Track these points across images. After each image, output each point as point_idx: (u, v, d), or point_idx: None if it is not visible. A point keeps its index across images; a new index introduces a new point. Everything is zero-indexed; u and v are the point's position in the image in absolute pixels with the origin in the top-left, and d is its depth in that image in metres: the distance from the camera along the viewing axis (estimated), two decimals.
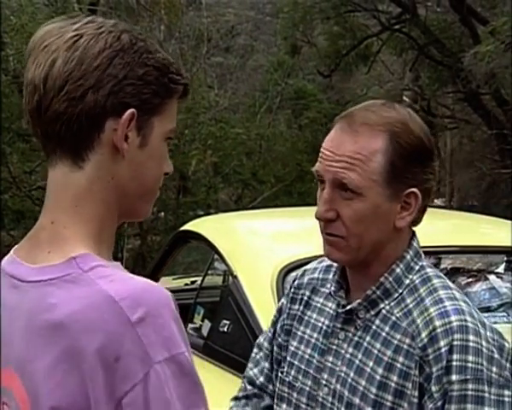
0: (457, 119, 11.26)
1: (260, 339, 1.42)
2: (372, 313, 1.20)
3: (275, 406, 1.30)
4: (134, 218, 0.98)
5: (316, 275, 1.34)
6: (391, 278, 1.20)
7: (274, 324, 1.37)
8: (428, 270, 1.22)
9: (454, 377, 1.10)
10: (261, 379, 1.36)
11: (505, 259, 2.57)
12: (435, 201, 10.32)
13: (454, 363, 1.10)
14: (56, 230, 0.91)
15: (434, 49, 9.57)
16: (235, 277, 2.19)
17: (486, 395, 1.10)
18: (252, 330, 1.99)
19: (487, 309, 2.33)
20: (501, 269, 2.54)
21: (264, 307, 2.00)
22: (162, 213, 9.27)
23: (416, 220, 1.22)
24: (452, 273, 2.46)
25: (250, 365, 1.40)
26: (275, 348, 1.35)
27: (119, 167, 0.91)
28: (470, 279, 2.44)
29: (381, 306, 1.20)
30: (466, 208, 9.93)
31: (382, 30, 9.91)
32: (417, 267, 1.22)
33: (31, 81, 0.90)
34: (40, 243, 0.91)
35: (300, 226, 2.77)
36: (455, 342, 1.11)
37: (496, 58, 7.35)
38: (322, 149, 1.22)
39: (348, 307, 1.21)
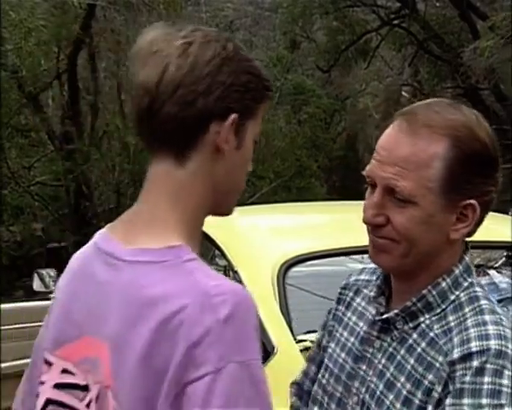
0: None
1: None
2: (410, 325, 1.11)
3: (308, 405, 1.25)
4: (221, 213, 1.05)
5: (362, 276, 1.27)
6: (434, 292, 1.11)
7: (323, 327, 1.31)
8: (477, 288, 1.13)
9: (484, 401, 1.00)
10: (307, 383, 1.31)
11: (505, 254, 2.57)
12: None
13: (485, 386, 1.01)
14: (156, 218, 0.98)
15: (434, 44, 9.57)
16: (235, 272, 2.19)
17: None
18: None
19: None
20: (501, 264, 2.54)
21: (264, 302, 2.00)
22: None
23: (471, 233, 1.12)
24: None
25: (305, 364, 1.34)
26: (321, 350, 1.30)
27: (217, 166, 0.99)
28: None
29: (421, 319, 1.11)
30: None
31: (381, 25, 9.91)
32: (466, 284, 1.12)
33: (141, 84, 0.97)
34: (138, 227, 0.98)
35: (300, 222, 2.77)
36: (488, 365, 1.02)
37: (495, 53, 7.35)
38: (376, 148, 1.12)
39: (385, 316, 1.14)
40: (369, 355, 1.16)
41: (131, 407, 0.91)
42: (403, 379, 1.10)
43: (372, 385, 1.14)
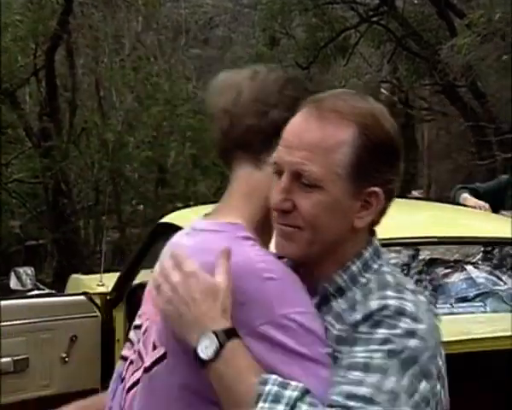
0: (434, 111, 11.35)
1: None
2: (324, 309, 1.12)
3: None
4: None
5: None
6: (345, 276, 1.12)
7: None
8: (385, 268, 1.14)
9: (372, 347, 1.03)
10: None
11: (482, 249, 2.60)
12: (413, 192, 10.40)
13: (378, 336, 1.03)
14: (231, 207, 1.20)
15: (412, 41, 9.62)
16: None
17: (405, 369, 1.01)
18: None
19: (464, 299, 2.36)
20: (478, 259, 2.57)
21: None
22: (141, 206, 9.24)
23: (375, 221, 1.14)
24: (430, 264, 2.49)
25: None
26: None
27: None
28: (448, 270, 2.47)
29: (333, 303, 1.12)
30: (443, 200, 10.00)
31: (360, 22, 9.94)
32: (375, 266, 1.14)
33: (222, 108, 1.21)
34: (220, 210, 1.22)
35: None
36: (386, 319, 1.04)
37: (472, 50, 7.42)
38: (284, 135, 1.12)
39: None
40: None
41: (169, 346, 1.09)
42: None
43: None
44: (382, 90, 12.24)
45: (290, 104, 1.18)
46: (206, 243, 1.14)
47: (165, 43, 10.00)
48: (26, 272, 4.12)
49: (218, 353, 1.02)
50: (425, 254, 2.52)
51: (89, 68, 9.77)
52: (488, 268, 2.50)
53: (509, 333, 2.06)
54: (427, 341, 1.06)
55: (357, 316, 1.07)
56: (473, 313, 2.28)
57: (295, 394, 1.00)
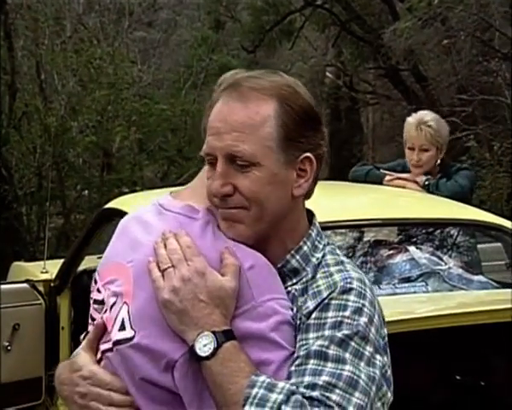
0: (379, 94, 11.51)
1: None
2: None
3: None
4: None
5: None
6: (298, 256, 1.16)
7: None
8: (329, 248, 1.19)
9: (327, 333, 1.06)
10: None
11: (424, 231, 2.66)
12: None
13: (329, 320, 1.07)
14: (202, 191, 1.18)
15: (356, 25, 9.72)
16: None
17: (361, 349, 1.06)
18: None
19: (407, 279, 2.41)
20: (420, 240, 2.63)
21: None
22: (86, 191, 9.08)
23: (310, 190, 1.18)
24: (374, 246, 2.53)
25: None
26: None
27: None
28: (391, 251, 2.52)
29: (289, 283, 1.15)
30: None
31: (305, 6, 9.98)
32: (321, 246, 1.19)
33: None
34: (190, 192, 1.21)
35: None
36: (332, 302, 1.09)
37: (414, 35, 7.54)
38: (209, 124, 1.14)
39: None
40: None
41: (144, 326, 1.08)
42: None
43: None
44: (328, 74, 12.34)
45: None
46: (180, 226, 1.13)
47: (108, 25, 9.80)
48: None
49: (214, 352, 1.05)
50: (369, 236, 2.56)
51: (29, 51, 9.50)
52: (430, 249, 2.56)
53: (449, 312, 2.12)
54: (373, 314, 1.11)
55: (310, 306, 1.11)
56: (415, 292, 2.33)
57: (280, 397, 1.02)
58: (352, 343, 1.06)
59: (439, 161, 3.17)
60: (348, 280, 1.11)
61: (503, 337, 2.21)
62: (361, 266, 2.42)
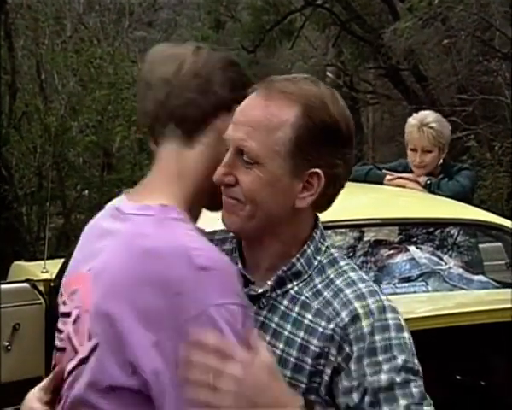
0: (379, 94, 11.51)
1: None
2: (278, 292, 1.16)
3: None
4: (214, 206, 1.21)
5: None
6: (302, 260, 1.16)
7: None
8: (333, 251, 1.20)
9: (380, 358, 1.09)
10: None
11: (423, 230, 2.66)
12: None
13: (378, 344, 1.09)
14: (161, 187, 1.14)
15: (356, 25, 9.71)
16: None
17: (409, 365, 1.10)
18: None
19: (408, 279, 2.41)
20: (420, 240, 2.63)
21: None
22: (86, 191, 9.08)
23: (319, 205, 1.17)
24: (375, 246, 2.53)
25: None
26: None
27: (220, 150, 1.14)
28: (392, 251, 2.52)
29: (289, 286, 1.16)
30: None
31: (305, 5, 9.97)
32: (324, 248, 1.19)
33: (160, 78, 1.15)
34: (147, 189, 1.15)
35: None
36: (376, 324, 1.10)
37: (414, 34, 7.54)
38: (234, 113, 1.16)
39: (261, 291, 1.16)
40: None
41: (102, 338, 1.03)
42: (282, 346, 1.14)
43: None
44: (328, 74, 12.33)
45: (231, 86, 1.15)
46: (137, 228, 1.08)
47: (109, 25, 9.80)
48: None
49: None
50: (370, 236, 2.56)
51: (29, 51, 9.50)
52: (430, 249, 2.56)
53: (449, 311, 2.12)
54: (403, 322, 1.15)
55: (346, 319, 1.11)
56: (415, 292, 2.33)
57: None
58: (408, 365, 1.11)
59: (441, 162, 3.17)
60: (377, 297, 1.14)
61: (504, 337, 2.21)
62: (361, 265, 2.42)
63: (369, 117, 13.88)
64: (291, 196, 1.13)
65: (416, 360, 1.12)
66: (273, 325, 1.15)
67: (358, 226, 2.49)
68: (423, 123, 3.13)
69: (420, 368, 1.11)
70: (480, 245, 2.88)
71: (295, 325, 1.13)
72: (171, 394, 0.98)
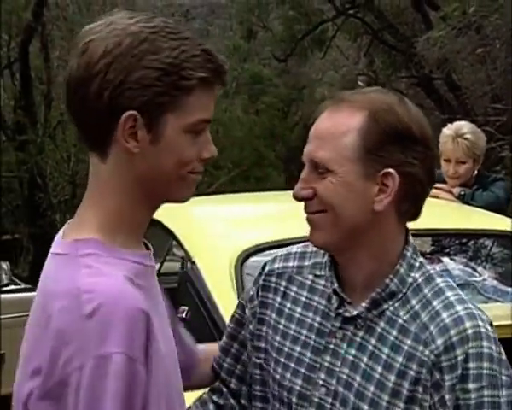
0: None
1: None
2: (374, 312, 1.15)
3: (257, 403, 1.25)
4: (170, 200, 1.06)
5: (290, 263, 1.27)
6: (396, 280, 1.15)
7: (242, 310, 1.30)
8: (429, 268, 1.19)
9: (471, 386, 1.09)
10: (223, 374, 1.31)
11: (457, 241, 2.63)
12: None
13: (470, 371, 1.09)
14: (82, 212, 1.02)
15: (388, 34, 9.67)
16: (193, 262, 2.19)
17: (502, 399, 1.10)
18: (211, 317, 1.99)
19: None
20: (454, 251, 2.60)
21: (222, 292, 2.00)
22: None
23: (402, 210, 1.16)
24: None
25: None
26: (247, 335, 1.28)
27: (135, 162, 0.98)
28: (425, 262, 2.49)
29: (385, 306, 1.15)
30: None
31: (337, 15, 9.97)
32: (417, 264, 1.18)
33: (67, 74, 1.00)
34: (72, 221, 1.04)
35: (258, 212, 2.77)
36: (470, 351, 1.10)
37: (447, 43, 7.47)
38: None
39: (355, 313, 1.15)
40: (332, 346, 1.17)
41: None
42: (380, 369, 1.13)
43: (344, 376, 1.15)
44: (359, 83, 12.28)
45: (113, 92, 0.95)
46: (47, 270, 1.00)
47: None
48: (2, 266, 4.07)
49: None
50: None
51: (64, 61, 9.65)
52: (464, 260, 2.53)
53: None
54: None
55: (440, 347, 1.10)
56: None
57: None
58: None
59: (475, 173, 3.13)
60: (475, 322, 1.13)
61: None
62: None
63: None
64: (368, 200, 1.13)
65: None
66: (370, 347, 1.14)
67: None
68: (458, 134, 3.10)
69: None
70: None
71: (393, 349, 1.13)
72: None
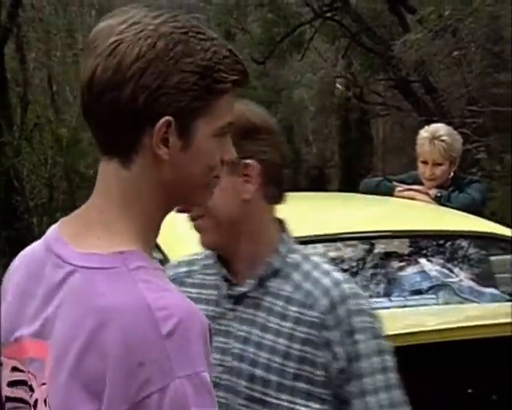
0: (389, 106, 11.49)
1: None
2: (261, 291, 1.29)
3: None
4: (192, 206, 1.12)
5: (180, 269, 1.40)
6: (278, 258, 1.30)
7: None
8: (301, 248, 1.34)
9: (357, 337, 1.23)
10: None
11: (434, 243, 2.65)
12: None
13: (355, 325, 1.24)
14: (107, 221, 0.94)
15: (366, 36, 9.72)
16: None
17: (385, 347, 1.26)
18: None
19: (418, 292, 2.40)
20: (431, 252, 2.62)
21: None
22: None
23: (269, 195, 1.30)
24: (385, 258, 2.53)
25: None
26: None
27: (163, 169, 0.94)
28: (402, 263, 2.51)
29: (270, 284, 1.29)
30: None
31: (315, 17, 9.99)
32: (295, 247, 1.33)
33: (81, 81, 0.95)
34: (88, 229, 0.95)
35: None
36: (352, 307, 1.25)
37: (424, 46, 7.54)
38: None
39: (244, 290, 1.29)
40: (224, 328, 1.29)
41: None
42: (271, 337, 1.26)
43: (237, 351, 1.27)
44: (337, 86, 12.34)
45: (149, 98, 0.91)
46: (91, 285, 0.90)
47: None
48: None
49: None
50: (380, 248, 2.56)
51: (41, 63, 9.58)
52: (440, 261, 2.55)
53: (460, 324, 2.11)
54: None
55: (323, 304, 1.25)
56: (425, 305, 2.32)
57: None
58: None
59: (451, 174, 3.16)
60: (349, 285, 1.30)
61: None
62: (371, 277, 2.41)
63: (379, 129, 13.87)
64: (236, 193, 1.27)
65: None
66: (260, 320, 1.27)
67: (368, 238, 2.48)
68: (435, 136, 3.13)
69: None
70: (491, 258, 2.86)
71: (281, 317, 1.26)
72: None
